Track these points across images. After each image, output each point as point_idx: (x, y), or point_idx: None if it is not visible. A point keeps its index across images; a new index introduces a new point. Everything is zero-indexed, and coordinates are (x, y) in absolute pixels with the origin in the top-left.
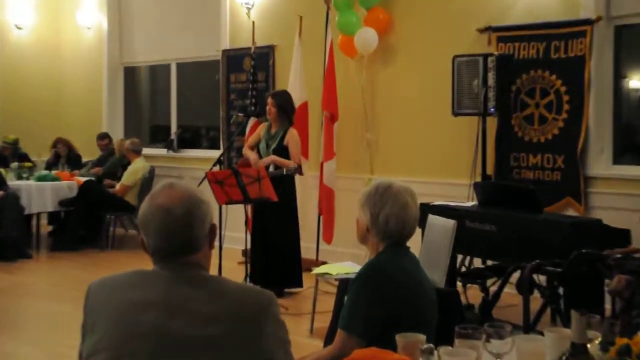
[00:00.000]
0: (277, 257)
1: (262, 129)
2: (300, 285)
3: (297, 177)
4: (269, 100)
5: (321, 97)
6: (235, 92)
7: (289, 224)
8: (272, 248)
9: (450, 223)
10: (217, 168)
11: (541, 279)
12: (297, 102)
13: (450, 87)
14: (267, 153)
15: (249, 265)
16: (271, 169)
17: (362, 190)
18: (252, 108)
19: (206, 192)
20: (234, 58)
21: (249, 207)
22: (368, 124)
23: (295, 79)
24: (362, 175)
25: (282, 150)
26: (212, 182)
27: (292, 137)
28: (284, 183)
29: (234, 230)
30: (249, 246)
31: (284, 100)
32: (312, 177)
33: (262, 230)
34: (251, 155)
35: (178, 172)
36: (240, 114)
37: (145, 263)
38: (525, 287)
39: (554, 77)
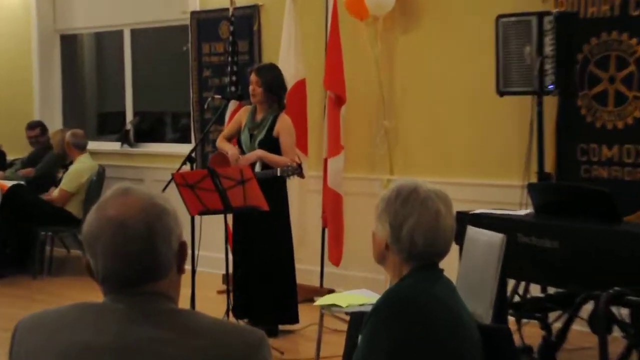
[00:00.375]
0: (267, 283)
1: (243, 114)
2: (296, 321)
3: (291, 179)
4: (253, 77)
5: (323, 72)
6: (210, 67)
7: (282, 240)
8: (259, 272)
9: (497, 238)
10: (187, 168)
11: (623, 312)
12: (290, 79)
13: (494, 58)
14: (251, 147)
15: (231, 295)
16: (257, 168)
17: (379, 194)
18: (232, 88)
19: (173, 200)
20: (206, 23)
21: (230, 219)
22: (385, 108)
23: (288, 49)
24: (378, 175)
25: (271, 143)
26: (181, 185)
27: (284, 125)
28: (274, 186)
29: (211, 249)
30: (231, 270)
31: (272, 76)
32: (313, 179)
33: (246, 249)
34: (230, 149)
35: (136, 173)
36: (217, 96)
37: (93, 293)
38: (601, 324)
39: (634, 41)
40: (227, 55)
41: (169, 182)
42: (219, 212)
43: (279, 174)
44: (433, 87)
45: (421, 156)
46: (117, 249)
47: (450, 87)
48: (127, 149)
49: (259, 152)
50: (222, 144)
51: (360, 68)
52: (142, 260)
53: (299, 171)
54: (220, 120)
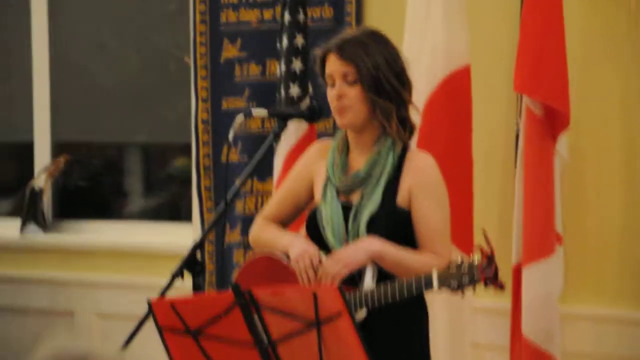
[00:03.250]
0: None
1: (319, 158)
2: None
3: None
4: (334, 63)
5: (511, 59)
6: (240, 37)
7: None
8: None
9: None
10: (183, 288)
11: None
12: (431, 69)
13: None
14: (350, 233)
15: None
16: (369, 281)
17: None
18: (297, 92)
19: None
20: None
21: None
22: None
23: (427, 7)
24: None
25: (398, 223)
26: (169, 331)
27: (426, 176)
28: (411, 328)
29: None
30: None
31: (381, 58)
32: (485, 315)
33: None
34: (292, 242)
35: (55, 298)
36: (257, 111)
37: None
38: None
39: None
40: (282, 7)
41: (143, 322)
42: None
43: (435, 286)
44: None
45: None
46: None
47: None
48: (36, 236)
49: (374, 244)
50: (268, 232)
51: (606, 55)
52: None
53: (489, 275)
54: (264, 170)
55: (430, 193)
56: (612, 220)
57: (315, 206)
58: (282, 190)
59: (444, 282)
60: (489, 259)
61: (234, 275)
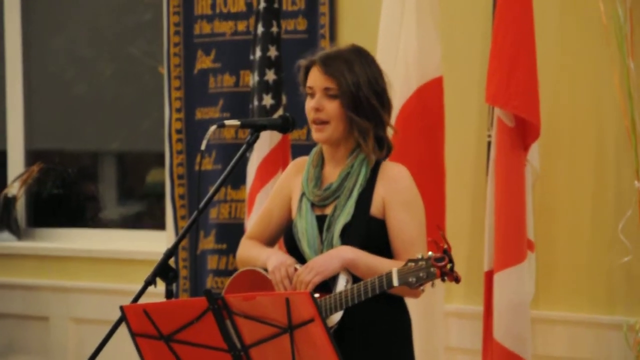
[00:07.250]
0: None
1: (296, 173)
2: None
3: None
4: (316, 76)
5: (482, 72)
6: (215, 48)
7: None
8: None
9: None
10: (157, 294)
11: None
12: (403, 81)
13: None
14: (325, 244)
15: None
16: (341, 287)
17: None
18: (270, 101)
19: None
20: None
21: None
22: None
23: (401, 16)
24: (621, 313)
25: (371, 233)
26: (141, 336)
27: (400, 186)
28: (394, 336)
29: None
30: None
31: (363, 75)
32: (457, 320)
33: None
34: (270, 256)
35: (28, 304)
36: (230, 122)
37: None
38: None
39: None
40: (256, 19)
41: (116, 328)
42: None
43: (395, 284)
44: None
45: None
46: None
47: None
48: (9, 243)
49: (347, 252)
50: (251, 250)
51: (576, 66)
52: None
53: (444, 268)
54: (237, 179)
55: (405, 203)
56: (582, 228)
57: (293, 222)
58: (263, 210)
59: (403, 278)
60: (444, 252)
61: (223, 287)
